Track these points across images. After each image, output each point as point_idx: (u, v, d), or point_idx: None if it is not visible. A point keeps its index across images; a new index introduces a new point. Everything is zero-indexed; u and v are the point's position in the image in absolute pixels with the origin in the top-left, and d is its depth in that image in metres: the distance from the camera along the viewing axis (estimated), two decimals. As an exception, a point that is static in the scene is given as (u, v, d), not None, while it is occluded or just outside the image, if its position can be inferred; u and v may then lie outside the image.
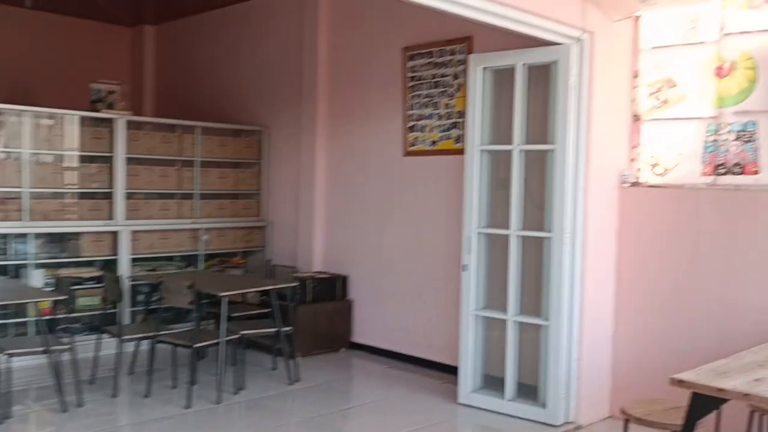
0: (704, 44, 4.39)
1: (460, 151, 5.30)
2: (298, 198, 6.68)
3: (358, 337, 6.29)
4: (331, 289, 6.21)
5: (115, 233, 6.07)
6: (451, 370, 5.21)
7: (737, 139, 4.28)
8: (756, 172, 4.20)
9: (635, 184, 4.66)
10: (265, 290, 5.46)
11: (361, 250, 6.25)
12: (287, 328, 5.29)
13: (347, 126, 6.35)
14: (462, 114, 5.41)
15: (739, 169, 4.27)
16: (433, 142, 5.68)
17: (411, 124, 5.82)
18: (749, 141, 4.24)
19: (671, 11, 4.49)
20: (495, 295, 4.81)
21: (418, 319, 5.80)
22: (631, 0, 4.26)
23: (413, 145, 5.82)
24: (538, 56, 4.46)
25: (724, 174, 4.33)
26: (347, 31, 6.34)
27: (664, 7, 4.44)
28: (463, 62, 5.36)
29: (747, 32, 4.23)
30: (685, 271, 4.42)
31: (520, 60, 4.51)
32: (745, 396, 2.32)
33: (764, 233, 4.12)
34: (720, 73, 4.34)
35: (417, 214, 5.80)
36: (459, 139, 5.46)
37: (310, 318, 5.98)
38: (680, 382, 2.46)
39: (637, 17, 4.62)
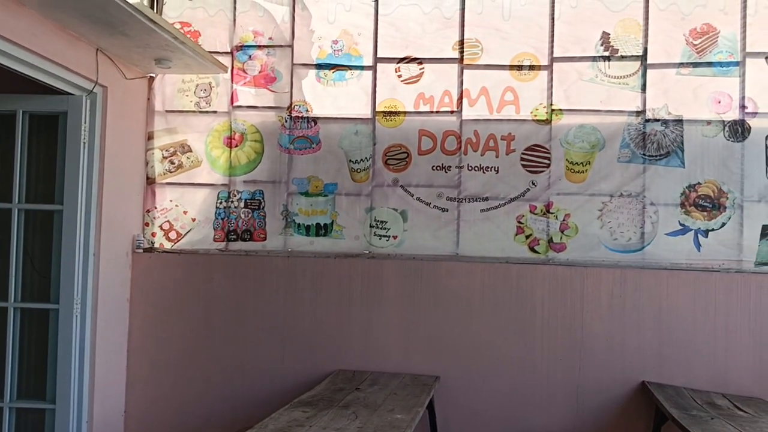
0: (217, 114, 4.54)
1: (-62, 208, 4.37)
2: None
3: None
4: None
5: None
6: None
7: (246, 206, 4.50)
8: (264, 239, 4.47)
9: (149, 249, 4.49)
10: None
11: None
12: None
13: None
14: (-60, 163, 4.48)
15: (249, 235, 4.48)
16: None
17: None
18: (257, 209, 4.49)
19: (187, 77, 4.54)
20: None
21: None
22: (146, 60, 4.14)
23: None
24: (43, 105, 3.96)
25: (235, 240, 4.49)
26: None
27: (179, 73, 4.45)
28: (-56, 102, 4.47)
29: (254, 107, 4.52)
30: (200, 337, 4.40)
31: (21, 107, 3.94)
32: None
33: (269, 296, 4.37)
34: (230, 142, 4.53)
35: None
36: (-65, 193, 4.49)
37: None
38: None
39: (152, 78, 4.54)
